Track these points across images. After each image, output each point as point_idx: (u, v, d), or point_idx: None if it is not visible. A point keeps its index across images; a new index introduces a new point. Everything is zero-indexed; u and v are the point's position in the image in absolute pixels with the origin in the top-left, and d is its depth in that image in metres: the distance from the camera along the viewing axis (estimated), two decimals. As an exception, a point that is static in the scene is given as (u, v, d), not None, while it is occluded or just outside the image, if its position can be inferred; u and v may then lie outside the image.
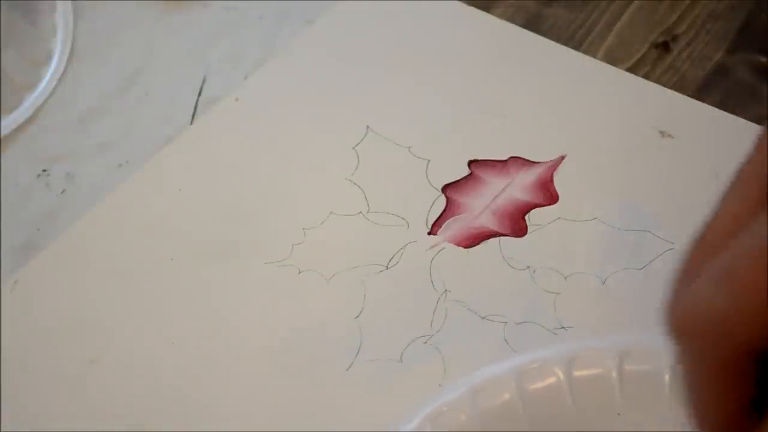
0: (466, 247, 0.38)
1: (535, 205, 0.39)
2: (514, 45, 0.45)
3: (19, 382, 0.34)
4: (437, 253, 0.38)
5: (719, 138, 0.41)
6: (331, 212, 0.39)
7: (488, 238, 0.38)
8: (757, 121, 0.42)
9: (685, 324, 0.17)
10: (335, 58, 0.45)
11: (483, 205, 0.39)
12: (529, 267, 0.37)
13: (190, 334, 0.36)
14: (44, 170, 0.42)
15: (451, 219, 0.39)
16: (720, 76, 0.43)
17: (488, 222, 0.39)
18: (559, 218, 0.39)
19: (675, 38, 0.45)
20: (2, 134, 0.42)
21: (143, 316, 0.36)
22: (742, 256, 0.16)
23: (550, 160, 0.41)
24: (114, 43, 0.47)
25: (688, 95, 0.42)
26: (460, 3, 0.47)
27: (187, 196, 0.40)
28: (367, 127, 0.42)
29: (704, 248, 0.18)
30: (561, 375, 0.32)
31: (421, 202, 0.39)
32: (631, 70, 0.44)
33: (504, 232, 0.38)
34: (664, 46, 0.45)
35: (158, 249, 0.38)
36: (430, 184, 0.40)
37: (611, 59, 0.44)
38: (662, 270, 0.37)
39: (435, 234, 0.38)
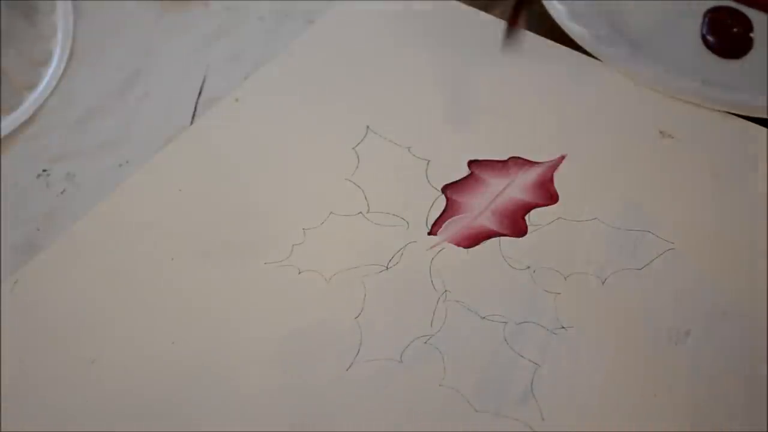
0: (466, 247, 0.38)
1: (535, 205, 0.39)
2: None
3: (19, 382, 0.34)
4: (437, 253, 0.38)
5: (719, 138, 0.41)
6: (331, 212, 0.39)
7: (488, 238, 0.38)
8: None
9: None
10: (335, 58, 0.45)
11: (483, 205, 0.39)
12: (529, 267, 0.37)
13: (190, 334, 0.36)
14: (44, 170, 0.42)
15: (451, 219, 0.39)
16: None
17: (488, 222, 0.39)
18: (559, 218, 0.39)
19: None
20: (2, 134, 0.42)
21: (143, 316, 0.36)
22: None
23: (550, 160, 0.41)
24: (114, 43, 0.47)
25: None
26: (459, 3, 0.47)
27: (187, 196, 0.40)
28: (367, 127, 0.42)
29: None
30: None
31: (421, 202, 0.39)
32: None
33: (504, 232, 0.38)
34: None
35: (158, 249, 0.38)
36: (430, 184, 0.40)
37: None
38: (662, 270, 0.37)
39: (435, 234, 0.38)
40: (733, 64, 0.45)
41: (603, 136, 0.42)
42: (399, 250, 0.38)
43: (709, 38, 0.46)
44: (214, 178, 0.41)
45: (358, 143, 0.42)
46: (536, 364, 0.34)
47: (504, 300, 0.36)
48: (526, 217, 0.39)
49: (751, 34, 0.46)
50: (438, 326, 0.35)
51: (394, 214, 0.39)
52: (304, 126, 0.42)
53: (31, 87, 0.44)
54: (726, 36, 0.46)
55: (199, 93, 0.44)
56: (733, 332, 0.35)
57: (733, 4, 0.47)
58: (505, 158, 0.41)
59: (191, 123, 0.43)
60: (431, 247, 0.38)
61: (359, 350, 0.35)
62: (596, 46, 0.44)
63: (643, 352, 0.34)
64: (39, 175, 0.41)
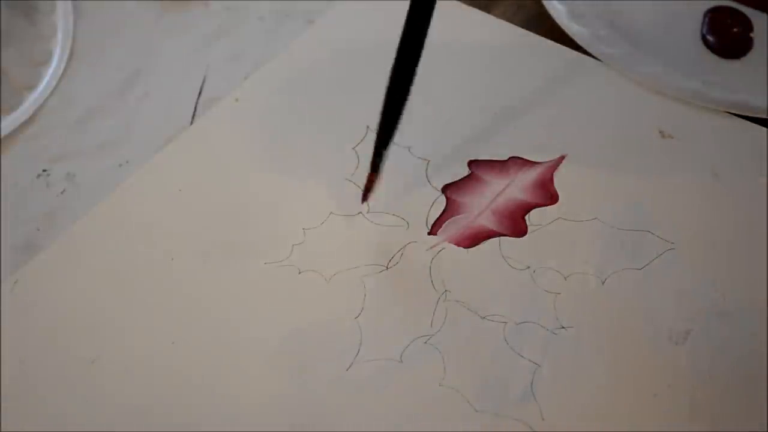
0: (466, 247, 0.38)
1: (535, 205, 0.39)
2: (514, 45, 0.45)
3: (19, 382, 0.34)
4: (437, 253, 0.38)
5: (719, 138, 0.41)
6: (331, 212, 0.39)
7: (488, 238, 0.38)
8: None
9: None
10: (335, 58, 0.45)
11: (483, 205, 0.39)
12: (529, 267, 0.37)
13: (190, 334, 0.36)
14: (44, 170, 0.42)
15: (451, 219, 0.39)
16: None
17: (488, 222, 0.39)
18: (559, 218, 0.39)
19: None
20: (2, 134, 0.42)
21: (143, 316, 0.36)
22: None
23: (550, 160, 0.41)
24: (114, 43, 0.47)
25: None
26: (459, 3, 0.47)
27: (187, 196, 0.40)
28: (367, 127, 0.42)
29: None
30: None
31: (421, 202, 0.39)
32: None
33: (504, 232, 0.38)
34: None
35: (158, 249, 0.38)
36: (430, 184, 0.40)
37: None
38: (662, 270, 0.37)
39: (435, 234, 0.38)
40: (733, 64, 0.45)
41: (603, 136, 0.42)
42: (399, 250, 0.38)
43: (709, 38, 0.46)
44: (214, 178, 0.41)
45: (358, 143, 0.42)
46: (536, 364, 0.34)
47: (504, 300, 0.36)
48: (526, 217, 0.39)
49: (751, 34, 0.46)
50: (438, 326, 0.35)
51: (394, 214, 0.39)
52: (305, 126, 0.42)
53: (31, 87, 0.44)
54: (726, 36, 0.46)
55: (199, 93, 0.44)
56: (733, 332, 0.35)
57: (733, 4, 0.47)
58: (505, 158, 0.41)
59: (191, 123, 0.43)
60: (431, 247, 0.38)
61: (359, 350, 0.35)
62: (596, 46, 0.44)
63: (643, 352, 0.34)
64: (39, 175, 0.41)
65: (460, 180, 0.40)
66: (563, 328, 0.35)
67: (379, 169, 0.38)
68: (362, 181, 0.40)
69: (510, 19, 0.46)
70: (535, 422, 0.33)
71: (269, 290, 0.37)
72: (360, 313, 0.36)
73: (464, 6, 0.47)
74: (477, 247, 0.38)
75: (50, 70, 0.45)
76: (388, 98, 0.36)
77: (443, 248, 0.38)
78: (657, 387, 0.34)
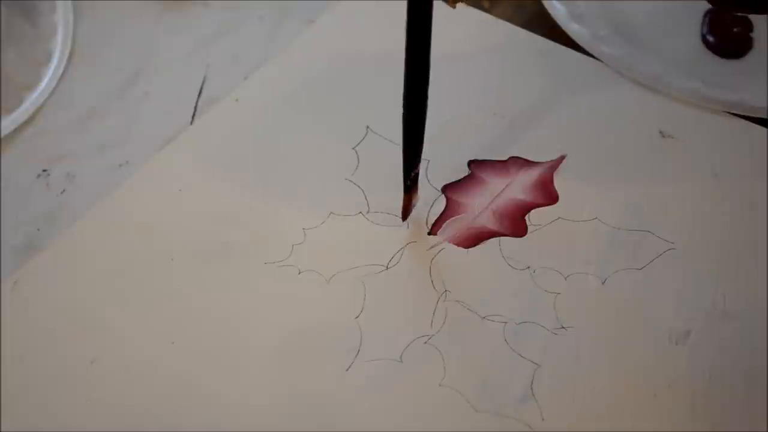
0: (466, 247, 0.38)
1: (535, 205, 0.39)
2: (514, 45, 0.45)
3: (19, 382, 0.34)
4: (437, 253, 0.38)
5: (719, 138, 0.41)
6: (331, 212, 0.39)
7: (488, 238, 0.38)
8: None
9: None
10: (335, 58, 0.45)
11: (483, 205, 0.39)
12: (529, 267, 0.37)
13: (190, 334, 0.36)
14: (44, 170, 0.42)
15: (451, 219, 0.39)
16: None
17: (488, 222, 0.39)
18: (559, 218, 0.39)
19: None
20: (2, 134, 0.42)
21: (143, 316, 0.36)
22: None
23: (550, 160, 0.41)
24: (114, 43, 0.47)
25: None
26: (459, 3, 0.47)
27: (187, 196, 0.40)
28: (367, 127, 0.42)
29: None
30: None
31: (421, 202, 0.39)
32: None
33: (504, 232, 0.38)
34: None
35: (158, 249, 0.38)
36: (430, 184, 0.40)
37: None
38: (662, 270, 0.37)
39: (435, 234, 0.38)
40: (733, 64, 0.45)
41: (603, 136, 0.42)
42: (399, 250, 0.38)
43: (709, 38, 0.46)
44: (214, 178, 0.40)
45: (358, 143, 0.42)
46: (536, 364, 0.34)
47: (504, 300, 0.36)
48: (526, 217, 0.39)
49: (751, 34, 0.46)
50: (438, 326, 0.35)
51: (394, 214, 0.39)
52: (304, 126, 0.42)
53: (31, 87, 0.44)
54: (726, 36, 0.46)
55: (199, 93, 0.44)
56: (733, 332, 0.35)
57: (733, 4, 0.47)
58: (505, 158, 0.41)
59: (191, 123, 0.43)
60: (431, 247, 0.38)
61: (359, 350, 0.35)
62: (596, 46, 0.44)
63: (643, 352, 0.34)
64: (39, 175, 0.41)
65: (460, 180, 0.40)
66: (563, 328, 0.35)
67: (410, 190, 0.38)
68: (362, 181, 0.40)
69: (510, 19, 0.46)
70: (535, 422, 0.33)
71: (269, 290, 0.37)
72: (360, 313, 0.36)
73: (464, 6, 0.47)
74: (477, 247, 0.38)
75: (50, 70, 0.45)
76: (406, 122, 0.35)
77: (443, 248, 0.38)
78: (657, 387, 0.34)
